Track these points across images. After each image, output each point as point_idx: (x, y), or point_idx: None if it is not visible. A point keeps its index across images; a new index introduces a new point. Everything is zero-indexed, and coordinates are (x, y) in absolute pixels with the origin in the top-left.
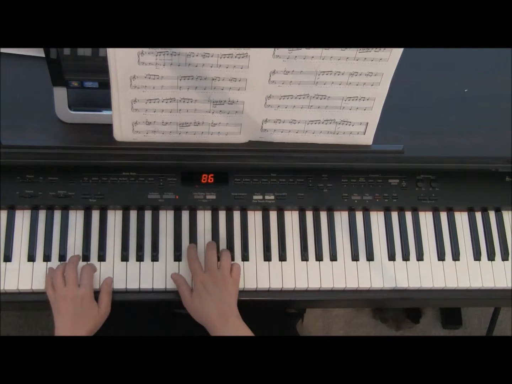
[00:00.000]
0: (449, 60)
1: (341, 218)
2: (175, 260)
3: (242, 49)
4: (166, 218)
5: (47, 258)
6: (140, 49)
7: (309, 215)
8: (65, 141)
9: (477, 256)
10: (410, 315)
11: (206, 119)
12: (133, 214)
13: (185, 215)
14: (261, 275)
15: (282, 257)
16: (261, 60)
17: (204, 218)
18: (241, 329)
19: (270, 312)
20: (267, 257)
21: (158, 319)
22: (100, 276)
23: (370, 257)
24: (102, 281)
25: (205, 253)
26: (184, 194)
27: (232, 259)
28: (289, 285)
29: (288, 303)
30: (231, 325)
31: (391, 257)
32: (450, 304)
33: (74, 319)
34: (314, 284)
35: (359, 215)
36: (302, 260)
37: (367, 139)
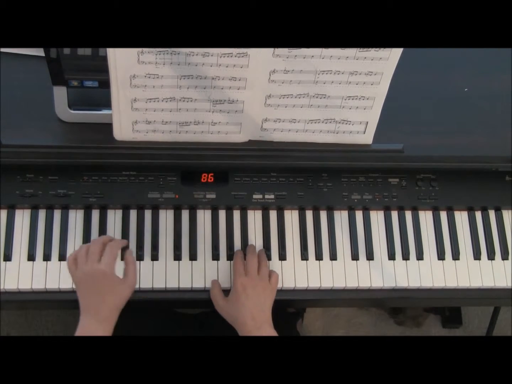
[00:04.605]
0: (449, 60)
1: (341, 217)
2: (175, 260)
3: (242, 48)
4: (166, 217)
5: (47, 257)
6: (140, 49)
7: (309, 214)
8: (65, 141)
9: (477, 256)
10: (426, 308)
11: (206, 118)
12: (133, 214)
13: (185, 214)
14: None
15: (282, 256)
16: (261, 59)
17: (204, 217)
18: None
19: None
20: (267, 256)
21: (158, 319)
22: None
23: (370, 256)
24: (125, 252)
25: (246, 257)
26: (184, 193)
27: (232, 258)
28: (289, 284)
29: (288, 303)
30: (264, 331)
31: (391, 257)
32: (450, 304)
33: (97, 296)
34: (314, 284)
35: (359, 215)
36: (302, 259)
37: (367, 138)
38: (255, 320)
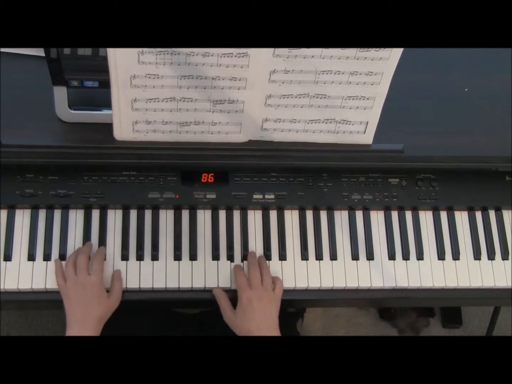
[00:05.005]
0: (449, 60)
1: (341, 217)
2: (175, 260)
3: (242, 48)
4: (166, 217)
5: (47, 257)
6: (140, 49)
7: (309, 214)
8: (65, 141)
9: (477, 256)
10: (420, 313)
11: (206, 118)
12: (133, 214)
13: (185, 215)
14: None
15: (282, 257)
16: (261, 59)
17: (204, 217)
18: None
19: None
20: (267, 256)
21: (158, 319)
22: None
23: (370, 256)
24: (114, 270)
25: (248, 268)
26: (184, 193)
27: (232, 258)
28: (289, 284)
29: (288, 302)
30: None
31: (391, 257)
32: (450, 303)
33: (85, 306)
34: (314, 284)
35: (359, 215)
36: (302, 259)
37: (367, 138)
38: (261, 331)
